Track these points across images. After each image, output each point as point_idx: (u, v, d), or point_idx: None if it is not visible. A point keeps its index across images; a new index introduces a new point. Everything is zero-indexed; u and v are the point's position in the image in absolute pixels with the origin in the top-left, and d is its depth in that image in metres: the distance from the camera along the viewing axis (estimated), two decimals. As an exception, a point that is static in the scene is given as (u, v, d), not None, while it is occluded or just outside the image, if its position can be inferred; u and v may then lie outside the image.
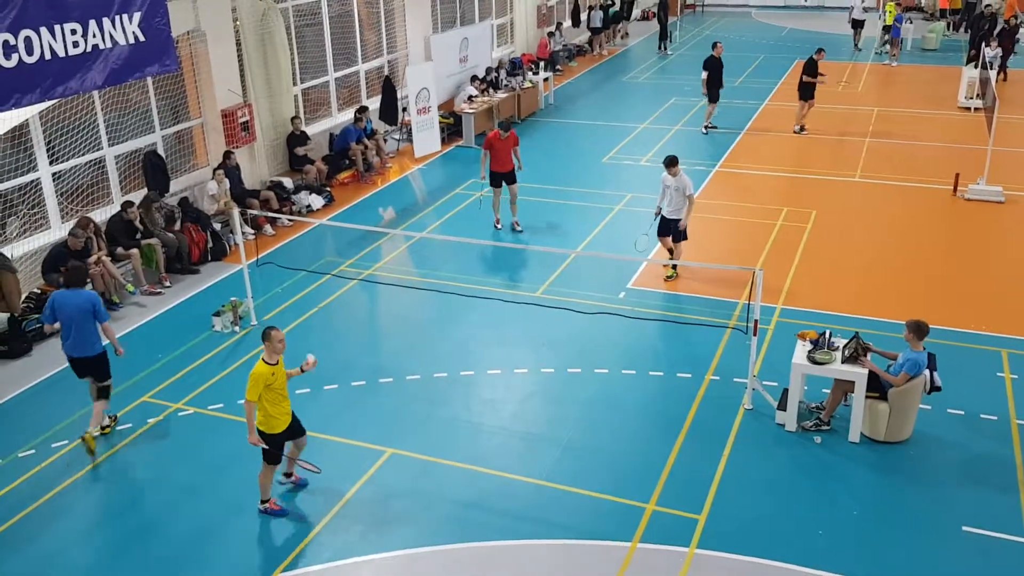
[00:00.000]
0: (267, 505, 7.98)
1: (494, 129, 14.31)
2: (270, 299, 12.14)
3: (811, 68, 19.30)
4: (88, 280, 11.80)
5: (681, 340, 10.93)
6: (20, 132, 11.75)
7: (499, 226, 14.41)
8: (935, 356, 8.73)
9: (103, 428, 9.16)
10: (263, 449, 7.72)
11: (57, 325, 8.95)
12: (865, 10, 29.45)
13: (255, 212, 13.41)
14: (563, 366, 10.33)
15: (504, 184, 14.31)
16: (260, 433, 7.66)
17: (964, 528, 7.60)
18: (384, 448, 8.78)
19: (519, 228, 14.37)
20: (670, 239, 12.43)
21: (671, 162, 12.13)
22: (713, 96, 19.90)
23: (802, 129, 19.57)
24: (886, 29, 28.53)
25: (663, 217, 12.38)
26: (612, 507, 7.95)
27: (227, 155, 14.54)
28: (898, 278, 12.46)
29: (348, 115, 18.28)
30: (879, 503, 7.96)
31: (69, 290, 8.96)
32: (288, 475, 8.33)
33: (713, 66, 19.73)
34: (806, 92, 19.42)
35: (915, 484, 8.22)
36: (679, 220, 12.24)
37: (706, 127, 19.97)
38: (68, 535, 7.78)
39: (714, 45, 20.00)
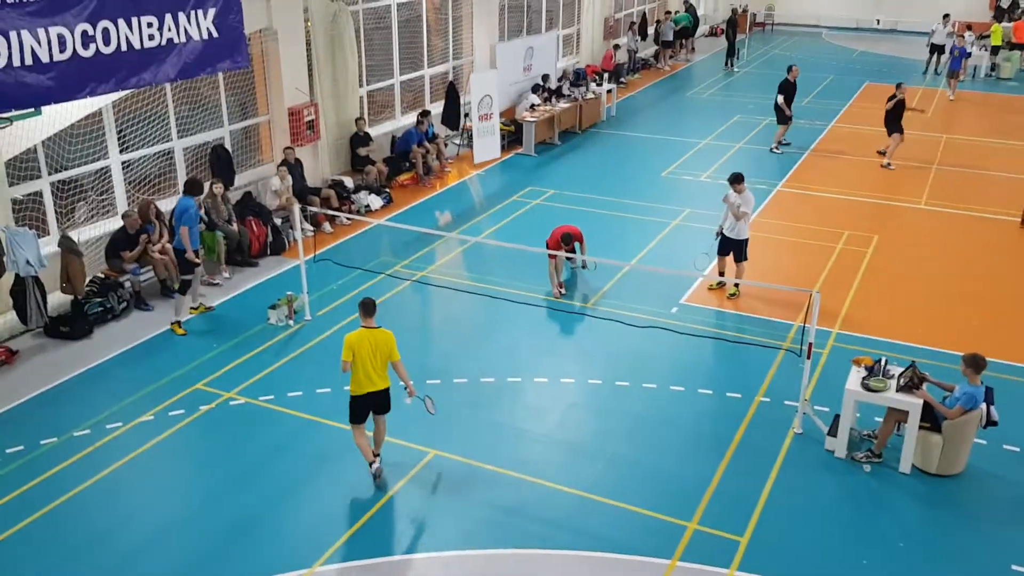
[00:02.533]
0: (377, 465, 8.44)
1: (560, 227, 12.76)
2: (325, 295, 12.30)
3: (899, 105, 18.45)
4: (150, 266, 12.14)
5: (732, 359, 10.79)
6: (94, 120, 12.10)
7: (562, 292, 12.49)
8: (993, 390, 8.50)
9: (192, 310, 11.65)
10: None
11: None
12: (948, 35, 28.10)
13: (315, 209, 13.64)
14: (611, 378, 10.28)
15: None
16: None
17: (1014, 567, 7.37)
18: (428, 449, 8.83)
19: (587, 266, 13.27)
20: (728, 259, 12.34)
21: (736, 179, 12.03)
22: (783, 118, 19.62)
23: (888, 164, 18.72)
24: (994, 51, 28.04)
25: (724, 236, 12.31)
26: (653, 523, 7.88)
27: (289, 151, 14.79)
28: (958, 308, 12.16)
29: (411, 118, 18.46)
30: (926, 536, 7.76)
31: (183, 197, 11.16)
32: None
33: (788, 89, 19.47)
34: (895, 126, 18.55)
35: (965, 519, 8.01)
36: (741, 240, 12.15)
37: (778, 145, 19.67)
38: (116, 516, 7.96)
39: (789, 68, 19.61)
